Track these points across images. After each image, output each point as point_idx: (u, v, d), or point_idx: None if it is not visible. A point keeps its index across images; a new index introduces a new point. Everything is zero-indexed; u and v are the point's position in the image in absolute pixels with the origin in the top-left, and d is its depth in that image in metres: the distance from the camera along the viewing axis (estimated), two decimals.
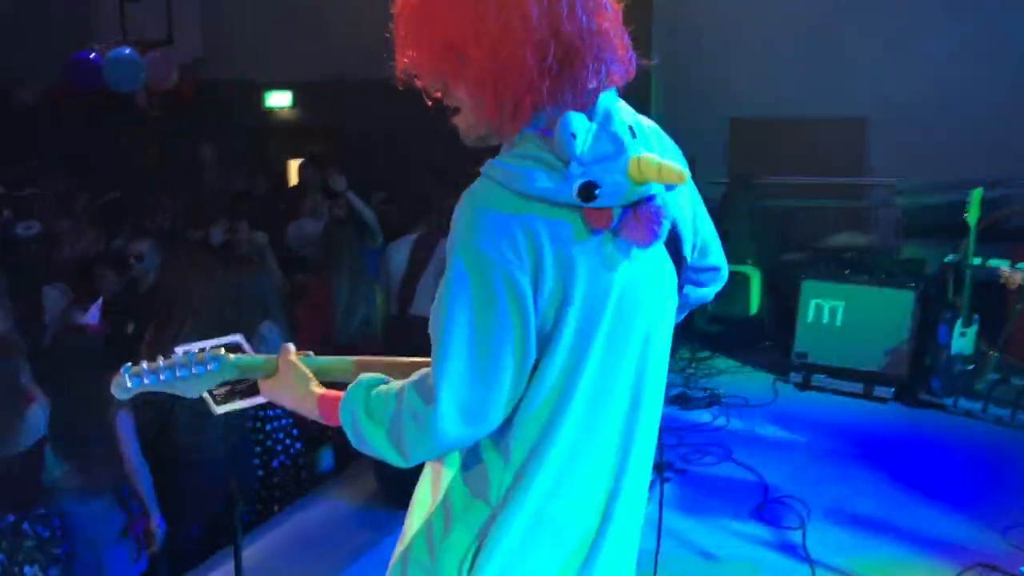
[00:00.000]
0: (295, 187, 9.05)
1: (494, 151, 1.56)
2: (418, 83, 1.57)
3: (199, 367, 1.74)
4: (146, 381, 1.73)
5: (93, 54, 9.56)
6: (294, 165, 10.93)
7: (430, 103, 1.60)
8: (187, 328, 3.48)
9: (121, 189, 9.09)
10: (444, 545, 1.55)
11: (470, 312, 1.41)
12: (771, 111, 8.18)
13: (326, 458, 4.79)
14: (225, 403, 2.87)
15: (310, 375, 1.70)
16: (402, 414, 1.46)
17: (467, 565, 1.52)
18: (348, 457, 5.01)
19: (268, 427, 4.27)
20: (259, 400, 2.31)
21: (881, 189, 7.82)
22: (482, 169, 1.47)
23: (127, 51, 9.54)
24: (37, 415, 3.24)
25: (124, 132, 10.86)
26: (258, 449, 4.26)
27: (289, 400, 1.72)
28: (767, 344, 6.88)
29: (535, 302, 1.42)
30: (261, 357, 1.81)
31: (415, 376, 1.50)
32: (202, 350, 1.78)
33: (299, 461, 4.46)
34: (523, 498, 1.50)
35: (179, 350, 1.78)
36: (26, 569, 3.09)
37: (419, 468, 1.66)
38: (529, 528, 1.51)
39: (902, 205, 7.16)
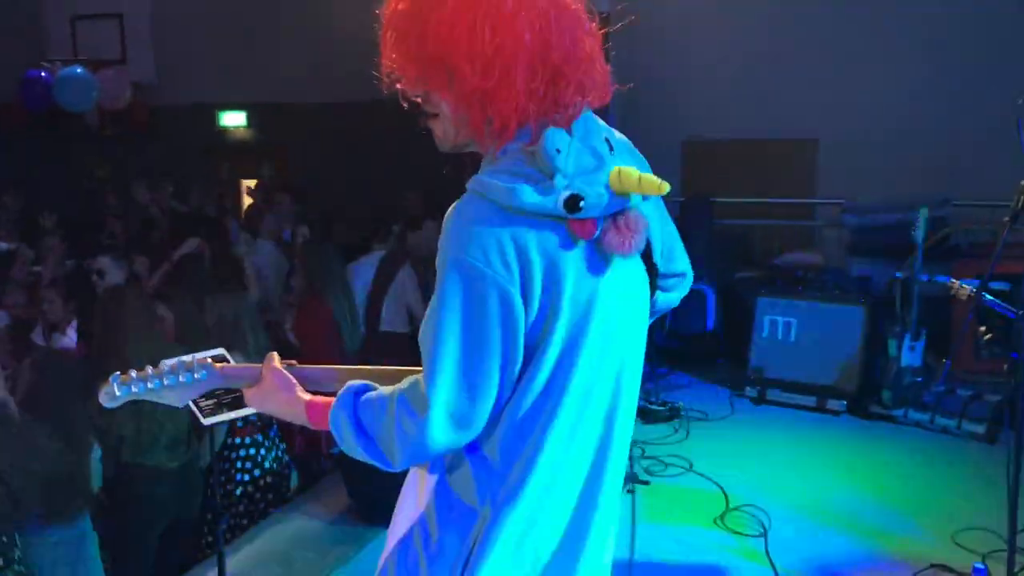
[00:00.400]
0: (248, 208, 9.05)
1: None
2: (398, 85, 1.59)
3: (186, 375, 1.76)
4: (134, 389, 1.74)
5: (44, 72, 9.46)
6: (247, 185, 10.90)
7: (405, 104, 1.62)
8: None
9: (73, 208, 8.99)
10: (434, 551, 1.57)
11: (461, 323, 1.45)
12: (722, 133, 8.41)
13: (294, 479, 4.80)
14: (212, 415, 2.91)
15: (295, 382, 1.72)
16: (393, 420, 1.49)
17: (459, 570, 1.54)
18: (316, 474, 5.04)
19: (236, 442, 4.27)
20: (246, 412, 2.35)
21: (830, 209, 8.07)
22: (469, 184, 1.51)
23: (78, 70, 9.45)
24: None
25: (75, 151, 10.74)
26: (225, 465, 4.26)
27: (275, 406, 1.73)
28: (723, 359, 7.05)
29: (524, 311, 1.46)
30: (247, 366, 1.83)
31: (405, 383, 1.53)
32: (189, 359, 1.80)
33: (267, 479, 4.46)
34: (516, 502, 1.52)
35: (166, 361, 1.80)
36: None
37: (393, 482, 1.70)
38: (523, 532, 1.54)
39: (850, 224, 7.39)
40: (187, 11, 10.21)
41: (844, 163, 8.10)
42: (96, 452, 3.44)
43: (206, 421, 2.93)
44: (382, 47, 1.58)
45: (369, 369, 1.76)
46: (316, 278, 5.14)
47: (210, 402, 2.68)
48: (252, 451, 4.29)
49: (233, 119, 11.09)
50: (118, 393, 1.74)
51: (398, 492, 1.70)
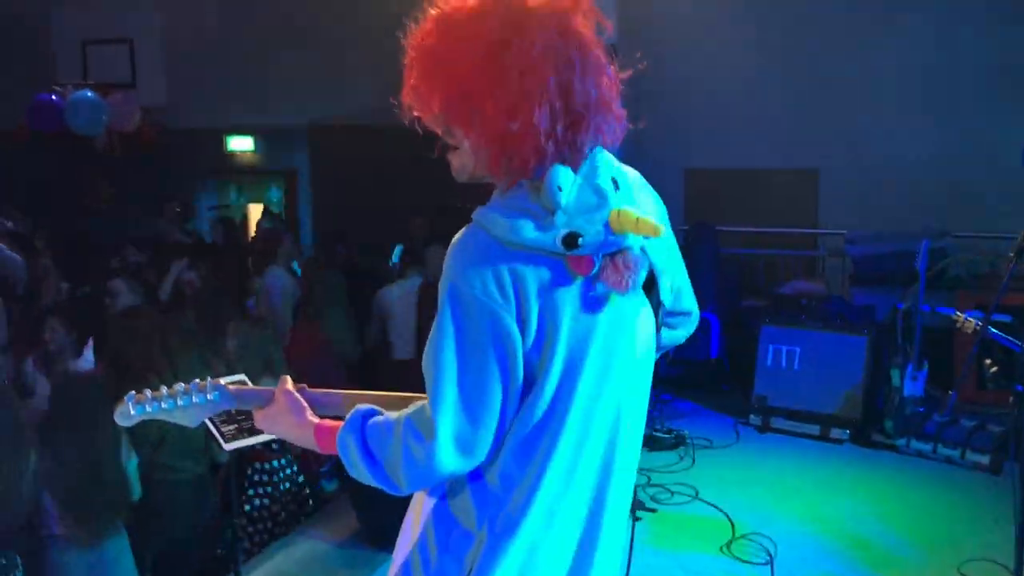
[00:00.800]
0: (256, 236, 9.10)
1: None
2: (418, 114, 1.63)
3: (199, 396, 1.78)
4: (148, 409, 1.76)
5: (55, 95, 9.54)
6: (255, 210, 10.99)
7: (421, 133, 1.66)
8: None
9: (81, 231, 9.04)
10: (434, 574, 1.60)
11: (460, 350, 1.49)
12: (725, 162, 8.50)
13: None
14: (234, 440, 2.96)
15: (306, 405, 1.75)
16: (401, 445, 1.52)
17: None
18: (326, 497, 5.09)
19: (256, 467, 4.32)
20: (267, 437, 2.40)
21: (832, 239, 8.14)
22: (473, 215, 1.56)
23: (89, 93, 9.53)
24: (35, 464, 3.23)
25: (83, 174, 10.80)
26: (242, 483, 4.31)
27: (284, 429, 1.76)
28: (728, 386, 7.09)
29: (522, 339, 1.51)
30: (259, 388, 1.87)
31: (411, 409, 1.57)
32: (203, 381, 1.83)
33: (284, 500, 4.52)
34: (517, 529, 1.55)
35: (180, 384, 1.83)
36: None
37: (401, 506, 1.74)
38: (525, 560, 1.57)
39: (853, 254, 7.46)
40: (197, 36, 10.33)
41: (845, 193, 8.19)
42: (133, 460, 3.48)
43: (228, 446, 2.97)
44: (406, 77, 1.62)
45: (377, 394, 1.80)
46: (315, 303, 5.22)
47: (232, 427, 2.73)
48: (267, 476, 4.36)
49: (241, 143, 11.18)
50: (133, 412, 1.75)
51: (404, 516, 1.73)
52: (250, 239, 9.16)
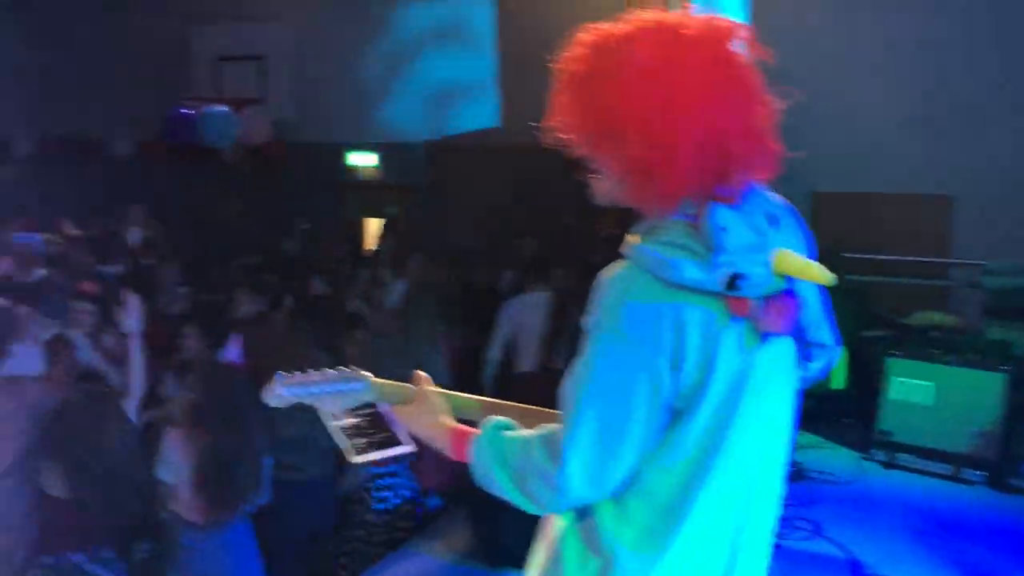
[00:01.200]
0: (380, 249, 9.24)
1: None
2: (563, 140, 1.61)
3: (344, 384, 1.80)
4: (297, 391, 1.77)
5: (190, 110, 9.99)
6: (373, 224, 11.20)
7: (567, 160, 1.64)
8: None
9: (207, 241, 9.40)
10: None
11: (604, 388, 1.49)
12: (851, 186, 8.22)
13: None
14: (363, 453, 2.98)
15: (444, 407, 1.78)
16: (532, 464, 1.54)
17: None
18: (429, 513, 5.10)
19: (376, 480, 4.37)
20: (394, 452, 2.39)
21: (965, 268, 7.77)
22: (627, 252, 1.53)
23: (221, 108, 9.95)
24: (167, 452, 3.37)
25: (211, 185, 11.25)
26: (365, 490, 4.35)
27: (422, 427, 1.79)
28: (850, 419, 6.82)
29: (673, 383, 1.48)
30: (401, 384, 1.87)
31: (544, 431, 1.57)
32: (349, 369, 1.84)
33: (403, 510, 4.56)
34: (654, 566, 1.54)
35: (330, 369, 1.83)
36: None
37: (518, 525, 1.77)
38: None
39: (990, 286, 7.09)
40: (326, 52, 10.64)
41: (981, 221, 7.80)
42: (269, 460, 3.58)
43: (355, 459, 2.99)
44: (553, 102, 1.61)
45: (513, 405, 1.82)
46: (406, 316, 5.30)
47: (362, 440, 2.75)
48: (382, 487, 4.39)
49: (362, 159, 11.44)
50: (283, 393, 1.76)
51: (522, 535, 1.74)
52: (371, 252, 9.33)
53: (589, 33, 1.59)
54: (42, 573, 2.95)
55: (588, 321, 1.53)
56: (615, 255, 1.57)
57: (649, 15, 1.57)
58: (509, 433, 1.62)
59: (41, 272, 6.54)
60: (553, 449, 1.51)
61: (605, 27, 1.58)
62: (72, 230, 8.73)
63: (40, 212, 8.84)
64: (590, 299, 1.54)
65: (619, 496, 1.55)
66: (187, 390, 3.57)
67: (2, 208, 8.54)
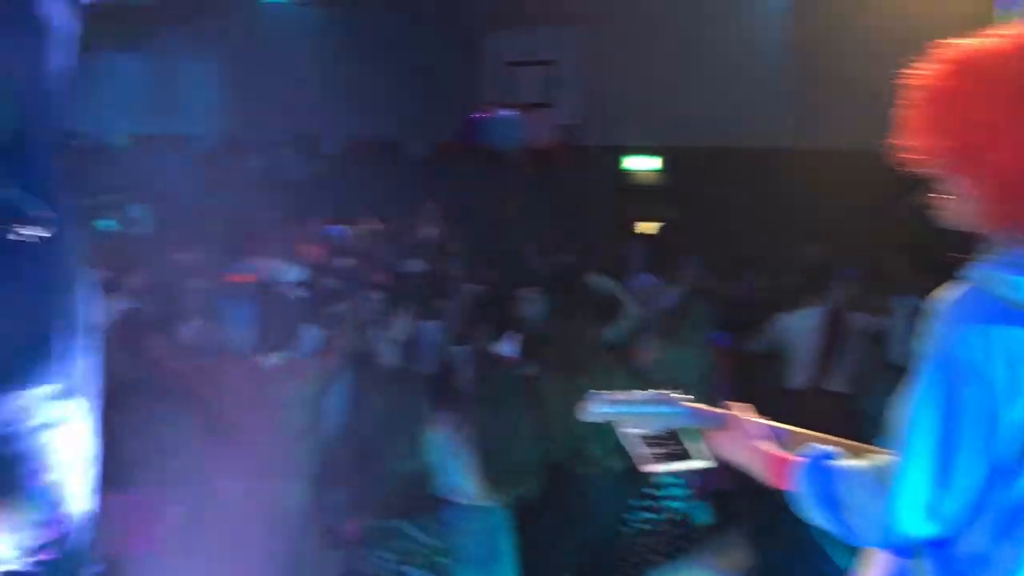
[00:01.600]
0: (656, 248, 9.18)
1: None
2: (914, 160, 1.54)
3: (659, 406, 1.80)
4: (612, 409, 1.80)
5: (482, 114, 10.50)
6: (645, 228, 11.15)
7: (916, 179, 1.57)
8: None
9: (494, 239, 9.77)
10: None
11: (939, 420, 1.41)
12: None
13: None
14: (658, 463, 2.93)
15: (762, 433, 1.76)
16: (863, 495, 1.49)
17: None
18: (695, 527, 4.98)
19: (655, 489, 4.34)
20: (686, 466, 2.33)
21: None
22: (967, 274, 1.45)
23: (511, 112, 10.36)
24: (439, 436, 3.56)
25: (495, 186, 11.73)
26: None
27: (739, 453, 1.78)
28: None
29: (1011, 414, 1.38)
30: (715, 410, 1.85)
31: (880, 462, 1.50)
32: (666, 392, 1.84)
33: (666, 521, 4.50)
34: None
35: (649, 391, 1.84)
36: (411, 571, 3.36)
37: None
38: None
39: None
40: (614, 55, 10.75)
41: None
42: (538, 451, 3.68)
43: (647, 468, 2.95)
44: (910, 119, 1.55)
45: (826, 437, 1.75)
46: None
47: (661, 451, 2.71)
48: (657, 493, 4.34)
49: (641, 163, 11.46)
50: (599, 411, 1.79)
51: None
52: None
53: (952, 48, 1.52)
54: (365, 531, 3.23)
55: (923, 343, 1.47)
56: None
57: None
58: (838, 462, 1.59)
59: (344, 261, 7.06)
60: (887, 477, 1.47)
61: (971, 42, 1.51)
62: (373, 224, 9.37)
63: (344, 208, 9.59)
64: (923, 322, 1.49)
65: (952, 544, 1.46)
66: (465, 380, 3.76)
67: (314, 202, 9.36)
